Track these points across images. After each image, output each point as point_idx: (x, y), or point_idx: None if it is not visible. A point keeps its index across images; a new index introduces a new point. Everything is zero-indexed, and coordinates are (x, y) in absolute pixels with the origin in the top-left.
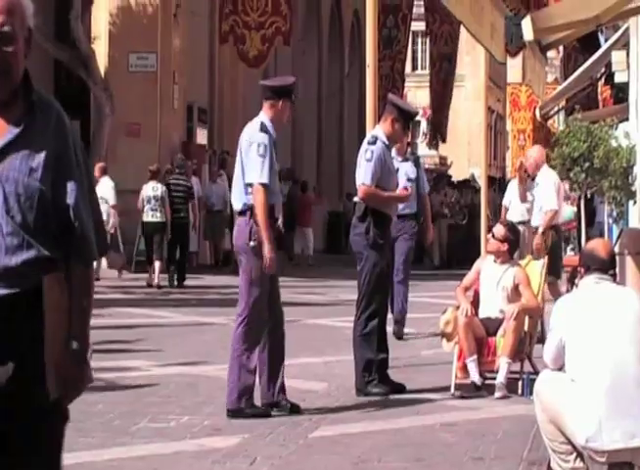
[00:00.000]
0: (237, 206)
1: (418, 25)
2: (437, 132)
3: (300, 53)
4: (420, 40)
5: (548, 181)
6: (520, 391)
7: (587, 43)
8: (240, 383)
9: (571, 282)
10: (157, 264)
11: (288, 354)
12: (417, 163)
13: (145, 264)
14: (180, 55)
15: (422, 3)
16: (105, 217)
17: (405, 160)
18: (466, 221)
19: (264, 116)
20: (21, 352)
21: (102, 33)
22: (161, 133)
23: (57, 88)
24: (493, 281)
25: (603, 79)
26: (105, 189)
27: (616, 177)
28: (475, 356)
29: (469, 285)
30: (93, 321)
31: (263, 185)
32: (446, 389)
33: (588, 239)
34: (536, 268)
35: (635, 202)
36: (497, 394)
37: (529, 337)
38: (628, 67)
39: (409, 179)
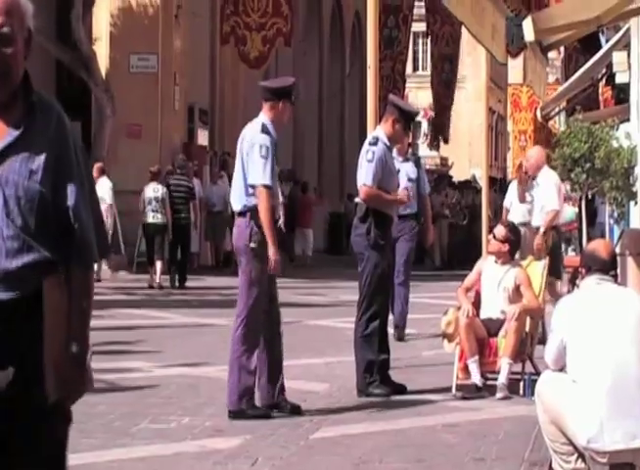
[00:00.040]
0: (236, 207)
1: (419, 26)
2: (440, 134)
3: (301, 54)
4: (421, 41)
5: (549, 182)
6: (521, 391)
7: (588, 44)
8: (240, 384)
9: (573, 283)
10: (158, 265)
11: (289, 356)
12: (418, 163)
13: (146, 265)
14: (181, 56)
15: (423, 4)
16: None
17: (406, 160)
18: (466, 222)
19: (264, 117)
20: (21, 355)
21: (103, 34)
22: (162, 134)
23: (58, 89)
24: (494, 282)
25: (604, 80)
26: (102, 189)
27: (617, 178)
28: (476, 357)
29: (470, 286)
30: (94, 322)
31: (266, 187)
32: (447, 390)
33: (589, 240)
34: (537, 269)
35: (636, 202)
36: (498, 394)
37: (531, 338)
38: (629, 67)
39: (410, 179)
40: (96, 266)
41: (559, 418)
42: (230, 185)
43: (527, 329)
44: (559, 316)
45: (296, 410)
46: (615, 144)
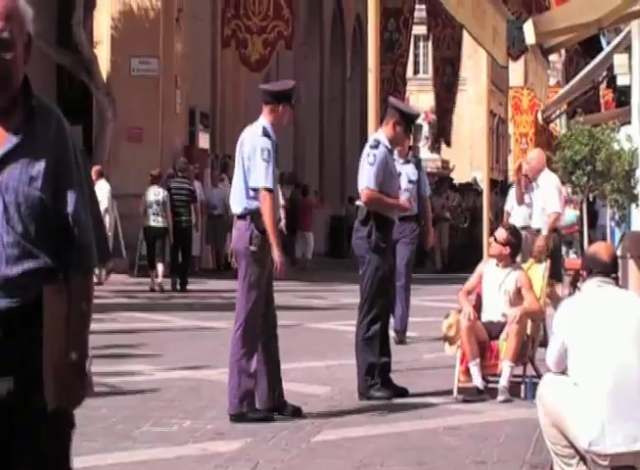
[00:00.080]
0: (236, 209)
1: (419, 29)
2: (442, 137)
3: (302, 57)
4: (422, 44)
5: (550, 184)
6: (522, 394)
7: (589, 46)
8: (240, 387)
9: (574, 286)
10: (159, 267)
11: (290, 359)
12: (418, 165)
13: (147, 269)
14: (182, 59)
15: (423, 7)
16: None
17: (407, 162)
18: (467, 225)
19: (264, 120)
20: (21, 362)
21: (104, 38)
22: (164, 138)
23: (59, 93)
24: (495, 284)
25: (605, 83)
26: (100, 192)
27: (618, 180)
28: (477, 360)
29: (471, 289)
30: (95, 325)
31: (269, 190)
32: (449, 392)
33: (590, 242)
34: (538, 272)
35: (637, 205)
36: (500, 397)
37: (532, 340)
38: (630, 70)
39: (410, 181)
40: (97, 270)
41: (560, 421)
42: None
43: (529, 332)
44: (560, 319)
45: (297, 413)
46: (616, 146)
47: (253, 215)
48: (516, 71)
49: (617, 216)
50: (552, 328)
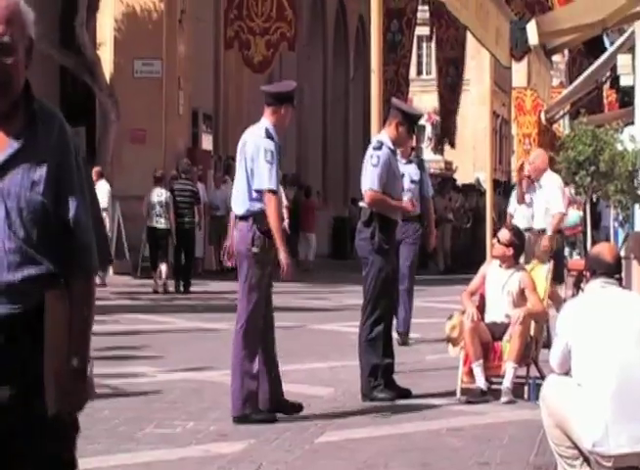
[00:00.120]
0: (238, 210)
1: (423, 30)
2: (446, 138)
3: (305, 58)
4: (425, 45)
5: (553, 185)
6: (526, 395)
7: (592, 47)
8: (243, 389)
9: (577, 286)
10: (163, 268)
11: (293, 360)
12: (421, 165)
13: (150, 270)
14: (185, 61)
15: (426, 7)
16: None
17: (409, 162)
18: (470, 225)
19: (267, 121)
20: (22, 368)
21: (107, 40)
22: (167, 139)
23: (62, 95)
24: (499, 286)
25: (608, 83)
26: (100, 194)
27: (621, 181)
28: (481, 361)
29: (474, 290)
30: (98, 327)
31: (273, 192)
32: (452, 394)
33: (594, 243)
34: (542, 273)
35: None
36: (503, 398)
37: (535, 341)
38: (634, 70)
39: (412, 181)
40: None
41: (564, 422)
42: None
43: (532, 333)
44: (564, 320)
45: (296, 408)
46: (619, 147)
47: (256, 217)
48: (519, 72)
49: (620, 217)
50: (555, 329)
